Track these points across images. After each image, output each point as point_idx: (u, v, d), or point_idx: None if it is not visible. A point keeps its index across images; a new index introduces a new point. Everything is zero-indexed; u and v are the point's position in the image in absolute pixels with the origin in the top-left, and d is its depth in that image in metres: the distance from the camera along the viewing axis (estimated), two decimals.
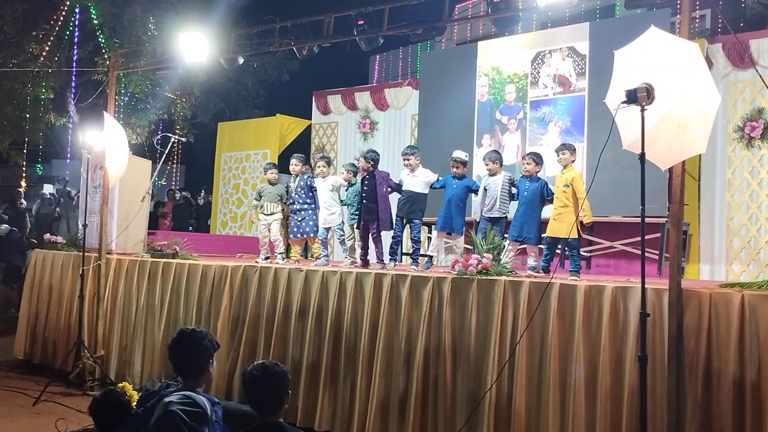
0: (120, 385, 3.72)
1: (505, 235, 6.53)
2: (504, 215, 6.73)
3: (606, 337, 4.77)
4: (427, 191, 7.08)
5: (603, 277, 6.45)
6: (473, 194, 6.99)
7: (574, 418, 4.80)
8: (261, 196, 7.96)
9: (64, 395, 7.46)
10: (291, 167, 7.91)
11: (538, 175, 6.58)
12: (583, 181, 6.23)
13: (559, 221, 6.11)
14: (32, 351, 8.90)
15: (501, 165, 6.95)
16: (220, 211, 14.53)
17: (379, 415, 5.70)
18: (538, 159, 6.54)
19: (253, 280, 6.79)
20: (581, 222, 6.01)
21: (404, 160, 7.11)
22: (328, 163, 7.94)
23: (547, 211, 6.56)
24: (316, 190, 7.79)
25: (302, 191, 7.80)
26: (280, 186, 8.02)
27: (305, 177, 7.86)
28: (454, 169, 6.93)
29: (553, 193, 6.37)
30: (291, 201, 7.89)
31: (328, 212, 7.66)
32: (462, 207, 6.89)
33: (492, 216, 6.74)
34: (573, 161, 6.29)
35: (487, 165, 6.90)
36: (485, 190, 6.83)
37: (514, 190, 6.78)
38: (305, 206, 7.81)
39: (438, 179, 7.06)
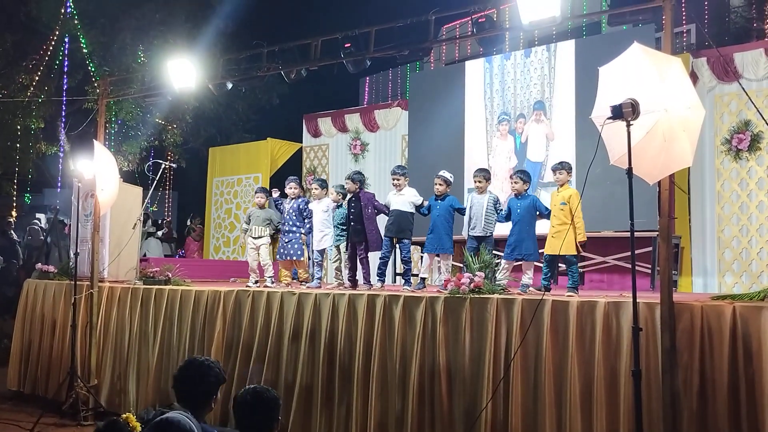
0: (124, 415, 3.67)
1: (495, 253, 6.54)
2: (488, 234, 6.77)
3: (600, 352, 4.77)
4: (413, 210, 7.12)
5: (596, 293, 6.46)
6: (458, 213, 7.01)
7: None
8: (250, 220, 7.98)
9: (58, 426, 7.39)
10: (290, 190, 7.94)
11: (527, 192, 6.65)
12: (579, 200, 6.23)
13: (558, 239, 6.11)
14: (25, 382, 8.82)
15: (489, 182, 7.00)
16: (212, 236, 14.50)
17: None
18: (525, 177, 6.61)
19: (246, 304, 6.77)
20: (582, 243, 6.07)
21: (393, 179, 7.18)
22: (322, 185, 7.98)
23: (542, 227, 6.59)
24: (309, 214, 7.82)
25: (294, 213, 7.84)
26: (268, 210, 8.06)
27: (299, 200, 7.91)
28: (437, 186, 6.97)
29: (546, 208, 6.42)
30: (282, 222, 7.92)
31: (321, 234, 7.68)
32: (448, 227, 6.93)
33: (476, 235, 6.78)
34: (569, 180, 6.36)
35: (475, 182, 6.94)
36: (470, 208, 6.88)
37: (501, 209, 6.82)
38: (294, 228, 7.86)
39: (423, 204, 7.10)
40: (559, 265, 6.79)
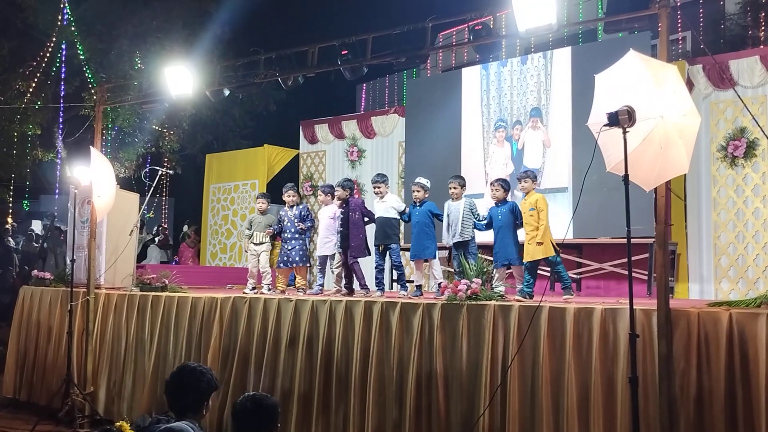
0: (117, 424, 3.63)
1: (489, 259, 6.57)
2: (467, 239, 6.84)
3: (597, 359, 4.77)
4: (397, 216, 7.22)
5: (593, 299, 6.46)
6: (436, 218, 7.08)
7: None
8: (251, 226, 7.97)
9: None
10: (288, 198, 7.90)
11: (507, 199, 6.71)
12: (546, 204, 6.37)
13: (533, 245, 6.22)
14: (21, 389, 8.78)
15: (464, 188, 7.08)
16: (209, 243, 14.48)
17: None
18: (505, 185, 6.70)
19: (243, 311, 6.75)
20: (540, 243, 6.14)
21: (374, 188, 7.31)
22: (330, 191, 7.99)
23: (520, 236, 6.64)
24: (311, 221, 7.83)
25: (296, 221, 7.79)
26: (270, 216, 8.05)
27: (300, 207, 7.89)
28: (415, 193, 7.07)
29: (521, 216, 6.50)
30: (284, 230, 7.88)
31: (325, 240, 7.68)
32: (429, 231, 7.01)
33: (456, 241, 6.87)
34: (534, 188, 6.50)
35: (450, 189, 7.00)
36: (448, 216, 6.96)
37: (481, 214, 6.91)
38: (297, 236, 7.80)
39: (405, 211, 7.20)
40: (539, 270, 6.81)
